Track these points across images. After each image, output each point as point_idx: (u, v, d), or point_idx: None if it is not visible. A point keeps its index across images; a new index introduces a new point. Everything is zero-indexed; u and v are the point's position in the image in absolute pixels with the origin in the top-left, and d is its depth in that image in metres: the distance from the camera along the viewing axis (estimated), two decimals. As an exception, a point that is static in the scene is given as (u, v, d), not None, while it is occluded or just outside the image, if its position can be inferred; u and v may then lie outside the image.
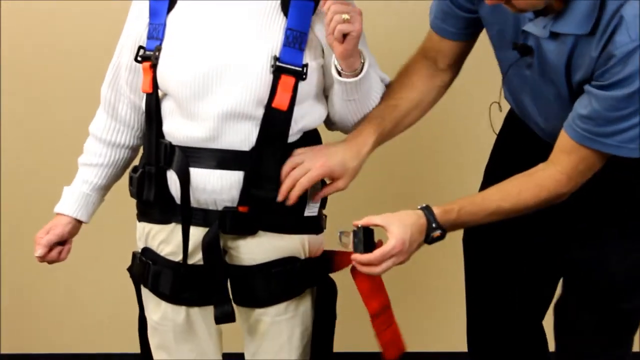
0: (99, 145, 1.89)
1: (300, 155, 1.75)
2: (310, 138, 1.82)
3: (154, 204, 1.80)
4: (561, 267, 1.90)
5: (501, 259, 1.99)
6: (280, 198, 1.74)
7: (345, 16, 1.65)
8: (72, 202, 1.89)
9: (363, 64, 1.75)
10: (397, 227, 1.64)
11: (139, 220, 1.87)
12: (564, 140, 1.66)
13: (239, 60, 1.72)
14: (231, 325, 1.82)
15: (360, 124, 1.81)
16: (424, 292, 2.91)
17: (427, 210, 1.68)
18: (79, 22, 2.73)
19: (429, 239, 1.68)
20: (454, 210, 1.69)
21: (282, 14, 1.74)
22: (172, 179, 1.77)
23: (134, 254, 1.88)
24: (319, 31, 1.76)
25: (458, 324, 2.21)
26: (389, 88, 1.86)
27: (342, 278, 1.84)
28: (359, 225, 1.67)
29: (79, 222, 1.90)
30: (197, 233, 1.76)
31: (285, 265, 1.79)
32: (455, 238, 1.97)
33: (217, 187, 1.74)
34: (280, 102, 1.71)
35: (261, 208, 1.75)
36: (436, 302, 2.91)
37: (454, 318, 2.34)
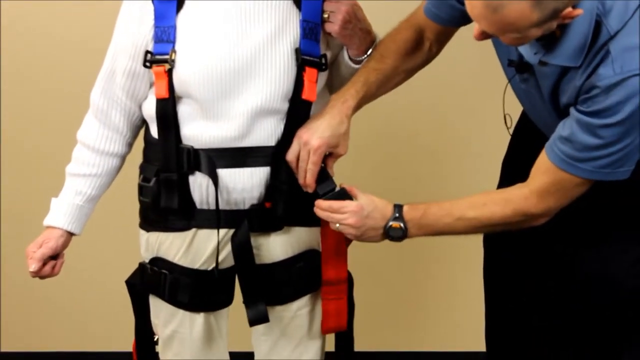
0: (91, 155, 1.82)
1: (294, 142, 1.73)
2: None
3: (175, 212, 1.75)
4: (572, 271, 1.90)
5: (520, 264, 1.99)
6: (302, 182, 1.73)
7: (325, 15, 1.73)
8: (63, 214, 1.82)
9: (374, 43, 1.81)
10: (366, 198, 1.71)
11: (147, 231, 1.83)
12: (541, 159, 1.66)
13: (264, 56, 1.70)
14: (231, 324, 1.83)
15: (344, 87, 1.79)
16: (439, 292, 2.90)
17: (397, 204, 1.71)
18: (80, 22, 2.70)
19: (387, 227, 1.69)
20: (420, 208, 1.70)
21: (295, 7, 1.74)
22: (196, 184, 1.74)
23: (142, 265, 1.83)
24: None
25: (474, 323, 2.21)
26: (376, 50, 1.83)
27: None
28: (341, 186, 1.74)
29: (70, 235, 1.84)
30: (221, 234, 1.75)
31: (307, 259, 1.80)
32: (467, 242, 1.95)
33: (248, 185, 1.73)
34: (309, 94, 1.73)
35: (285, 202, 1.75)
36: (453, 302, 2.90)
37: (470, 317, 2.32)
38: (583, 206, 1.70)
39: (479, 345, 2.19)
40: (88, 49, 2.63)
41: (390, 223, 1.69)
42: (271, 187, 1.75)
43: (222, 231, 1.75)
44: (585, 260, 1.83)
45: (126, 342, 2.01)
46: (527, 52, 1.63)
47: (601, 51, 1.52)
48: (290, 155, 1.73)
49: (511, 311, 2.02)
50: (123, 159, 1.87)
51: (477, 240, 2.08)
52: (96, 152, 1.83)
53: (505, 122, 1.90)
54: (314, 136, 1.71)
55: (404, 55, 1.83)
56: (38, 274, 1.82)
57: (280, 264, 1.80)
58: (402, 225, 1.69)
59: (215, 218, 1.73)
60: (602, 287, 1.81)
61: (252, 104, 1.71)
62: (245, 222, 1.74)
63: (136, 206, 1.85)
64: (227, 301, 1.83)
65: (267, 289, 1.79)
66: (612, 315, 1.83)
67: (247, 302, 1.77)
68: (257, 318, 1.77)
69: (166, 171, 1.74)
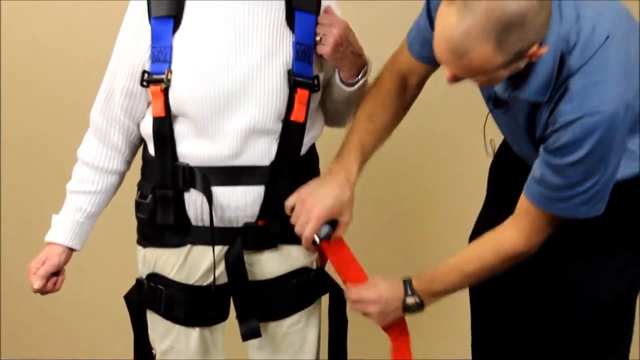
0: (90, 172, 1.86)
1: (296, 207, 1.78)
2: (313, 152, 1.88)
3: (171, 228, 1.79)
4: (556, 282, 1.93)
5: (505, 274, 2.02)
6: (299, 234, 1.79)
7: (317, 37, 1.77)
8: (64, 230, 1.85)
9: (365, 66, 1.84)
10: (380, 284, 1.82)
11: (144, 247, 1.86)
12: (522, 199, 1.70)
13: (257, 77, 1.73)
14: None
15: (342, 153, 1.84)
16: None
17: (405, 279, 1.81)
18: (80, 22, 2.72)
19: (405, 305, 1.80)
20: (427, 279, 1.80)
21: (288, 29, 1.77)
22: (191, 201, 1.77)
23: (139, 281, 1.87)
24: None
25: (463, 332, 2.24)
26: (365, 106, 1.87)
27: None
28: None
29: (71, 251, 1.87)
30: (215, 252, 1.78)
31: (300, 276, 1.84)
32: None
33: (242, 203, 1.77)
34: (298, 115, 1.77)
35: (279, 221, 1.79)
36: (447, 310, 2.90)
37: (459, 326, 2.35)
38: (568, 221, 1.73)
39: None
40: (88, 49, 2.67)
41: (407, 301, 1.79)
42: (265, 206, 1.78)
43: (217, 248, 1.78)
44: (568, 269, 1.85)
45: (129, 351, 2.04)
46: (499, 87, 1.67)
47: (562, 86, 1.55)
48: (293, 218, 1.78)
49: (496, 322, 2.05)
50: (122, 176, 1.90)
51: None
52: (96, 170, 1.86)
53: (486, 147, 1.93)
54: (317, 205, 1.75)
55: (391, 108, 1.87)
56: (41, 291, 1.86)
57: (274, 281, 1.83)
58: (417, 299, 1.79)
59: (210, 235, 1.76)
60: (586, 296, 1.84)
61: (245, 124, 1.74)
62: (239, 240, 1.77)
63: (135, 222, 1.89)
64: (222, 316, 1.86)
65: (260, 305, 1.82)
66: (595, 324, 1.85)
67: (240, 317, 1.81)
68: (250, 333, 1.80)
69: (162, 188, 1.78)
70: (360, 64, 1.84)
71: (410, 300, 1.79)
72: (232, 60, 1.73)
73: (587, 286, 1.83)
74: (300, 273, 1.85)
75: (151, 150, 1.81)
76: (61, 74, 2.75)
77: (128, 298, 1.89)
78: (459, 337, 2.29)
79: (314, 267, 1.88)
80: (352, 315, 1.93)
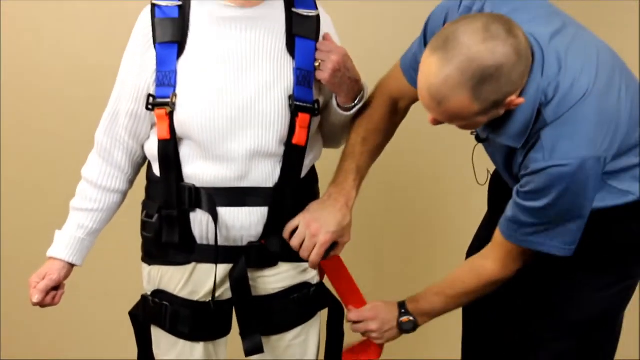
0: (93, 191, 1.90)
1: (299, 230, 1.84)
2: (313, 173, 1.94)
3: (176, 246, 1.83)
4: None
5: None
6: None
7: (316, 63, 1.82)
8: (66, 246, 1.89)
9: (362, 92, 1.89)
10: (375, 304, 1.95)
11: (149, 264, 1.91)
12: (497, 232, 1.79)
13: (259, 102, 1.78)
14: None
15: (339, 177, 1.91)
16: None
17: (399, 302, 1.94)
18: (80, 23, 2.72)
19: (399, 322, 1.93)
20: (416, 299, 1.93)
21: (289, 55, 1.82)
22: (197, 220, 1.82)
23: (144, 297, 1.91)
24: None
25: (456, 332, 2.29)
26: (359, 130, 1.93)
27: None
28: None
29: (72, 266, 1.91)
30: (219, 269, 1.83)
31: (301, 291, 1.91)
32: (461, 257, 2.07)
33: (247, 223, 1.82)
34: (299, 138, 1.82)
35: (281, 240, 1.86)
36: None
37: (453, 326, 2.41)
38: None
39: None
40: (88, 49, 2.69)
41: (401, 319, 1.92)
42: (268, 226, 1.84)
43: (221, 266, 1.83)
44: (550, 288, 1.92)
45: (128, 351, 2.07)
46: (479, 128, 1.75)
47: (535, 135, 1.62)
48: (295, 241, 1.84)
49: (484, 338, 2.12)
50: (124, 195, 1.95)
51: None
52: (98, 188, 1.90)
53: (476, 176, 2.02)
54: (322, 230, 1.82)
55: (384, 131, 1.95)
56: (40, 304, 1.90)
57: (276, 296, 1.90)
58: (410, 317, 1.91)
59: (214, 253, 1.81)
60: (570, 311, 1.89)
61: (249, 147, 1.79)
62: (243, 259, 1.83)
63: (139, 240, 1.93)
64: (225, 331, 1.91)
65: (262, 320, 1.88)
66: (579, 338, 1.90)
67: (244, 333, 1.87)
68: (253, 349, 1.86)
69: (168, 208, 1.82)
70: (357, 89, 1.89)
71: (404, 318, 1.91)
72: (235, 87, 1.78)
73: (568, 306, 1.89)
74: (301, 288, 1.92)
75: (156, 170, 1.86)
76: (61, 74, 2.75)
77: (133, 314, 1.95)
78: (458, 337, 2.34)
79: (314, 282, 1.94)
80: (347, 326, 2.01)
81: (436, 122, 1.66)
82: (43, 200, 2.77)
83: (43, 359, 2.90)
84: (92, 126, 1.93)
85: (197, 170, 1.81)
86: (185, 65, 1.79)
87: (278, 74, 1.80)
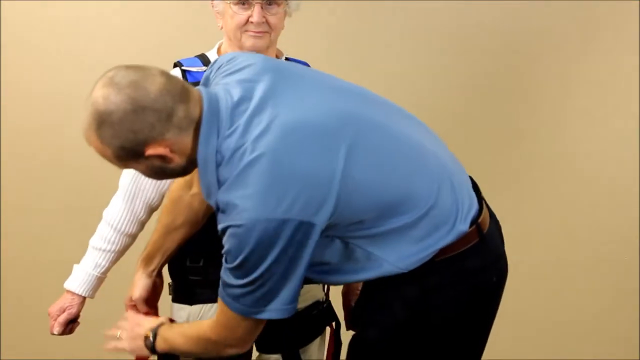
0: (113, 233, 2.01)
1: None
2: None
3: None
4: None
5: None
6: None
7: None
8: (85, 283, 2.04)
9: None
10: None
11: (191, 304, 2.00)
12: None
13: None
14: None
15: None
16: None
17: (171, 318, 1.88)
18: (80, 23, 2.74)
19: (145, 335, 1.79)
20: (170, 326, 1.80)
21: None
22: None
23: None
24: None
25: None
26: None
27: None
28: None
29: (85, 299, 2.07)
30: None
31: (318, 308, 2.05)
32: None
33: None
34: None
35: None
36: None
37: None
38: None
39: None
40: (88, 48, 2.71)
41: (146, 333, 1.79)
42: None
43: None
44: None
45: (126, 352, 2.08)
46: None
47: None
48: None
49: None
50: (136, 238, 2.06)
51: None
52: (117, 232, 2.01)
53: None
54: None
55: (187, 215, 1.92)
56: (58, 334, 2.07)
57: (298, 315, 1.85)
58: (151, 335, 1.78)
59: None
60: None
61: None
62: None
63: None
64: (248, 355, 1.97)
65: (287, 337, 1.98)
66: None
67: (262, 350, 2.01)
68: None
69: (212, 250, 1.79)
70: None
71: (149, 333, 1.79)
72: None
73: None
74: (317, 305, 2.05)
75: None
76: (61, 74, 2.77)
77: (162, 356, 1.89)
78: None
79: (324, 299, 2.08)
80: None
81: None
82: (43, 202, 2.78)
83: (43, 359, 2.92)
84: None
85: None
86: None
87: None
